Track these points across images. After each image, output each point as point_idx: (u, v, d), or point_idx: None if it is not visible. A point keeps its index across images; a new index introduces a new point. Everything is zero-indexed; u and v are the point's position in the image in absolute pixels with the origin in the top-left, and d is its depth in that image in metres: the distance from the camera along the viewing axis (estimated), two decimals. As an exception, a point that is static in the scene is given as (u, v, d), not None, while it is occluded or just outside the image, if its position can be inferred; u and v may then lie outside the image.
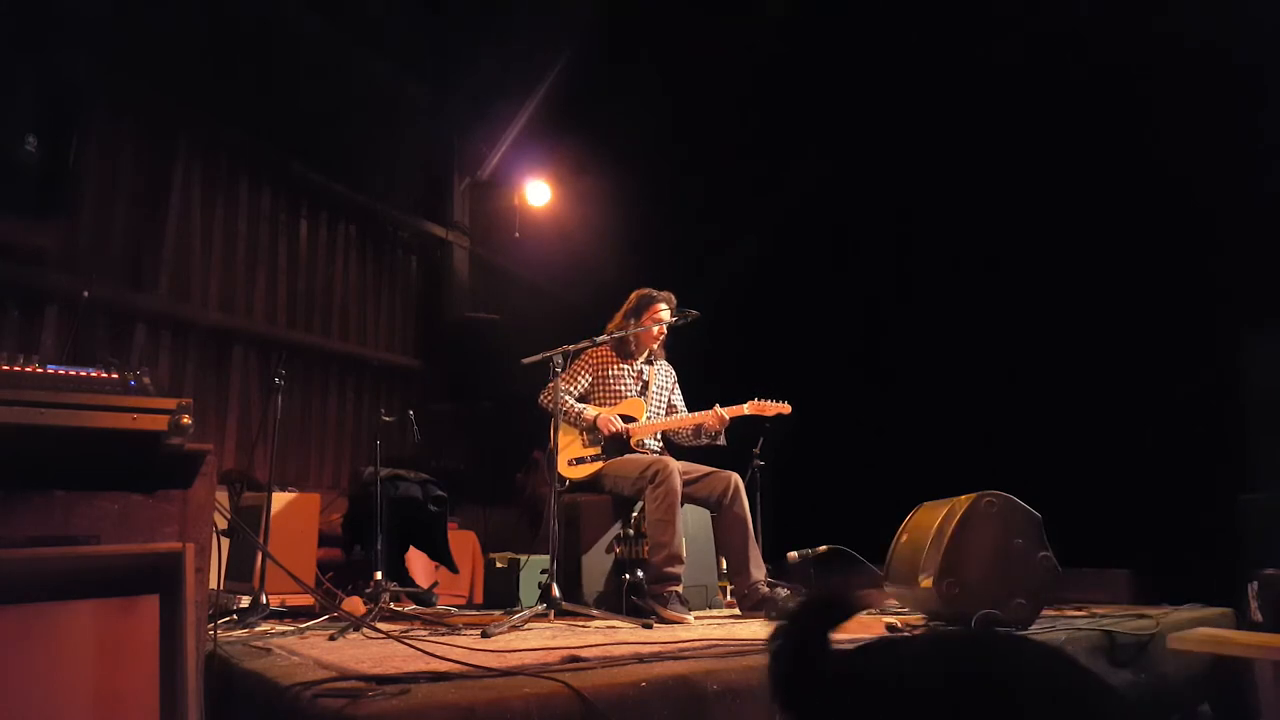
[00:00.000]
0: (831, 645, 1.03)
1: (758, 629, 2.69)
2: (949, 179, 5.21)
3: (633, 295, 3.90)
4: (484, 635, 2.49)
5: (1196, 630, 2.88)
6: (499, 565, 4.12)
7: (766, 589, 3.34)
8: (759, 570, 3.41)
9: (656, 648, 2.09)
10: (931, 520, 2.82)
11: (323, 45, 6.36)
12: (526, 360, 3.46)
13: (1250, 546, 3.08)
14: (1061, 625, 2.78)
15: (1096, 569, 4.09)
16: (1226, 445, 3.83)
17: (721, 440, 3.80)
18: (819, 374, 5.27)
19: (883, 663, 1.03)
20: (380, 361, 6.83)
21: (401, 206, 7.15)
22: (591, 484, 3.66)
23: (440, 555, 4.32)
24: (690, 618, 3.08)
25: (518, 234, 7.48)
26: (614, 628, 2.78)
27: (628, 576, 3.38)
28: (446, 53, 7.17)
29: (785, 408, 3.69)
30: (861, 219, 5.89)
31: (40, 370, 1.58)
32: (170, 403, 1.59)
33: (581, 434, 3.73)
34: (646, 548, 3.38)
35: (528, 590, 3.85)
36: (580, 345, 3.61)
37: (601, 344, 3.79)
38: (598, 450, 3.68)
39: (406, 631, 2.53)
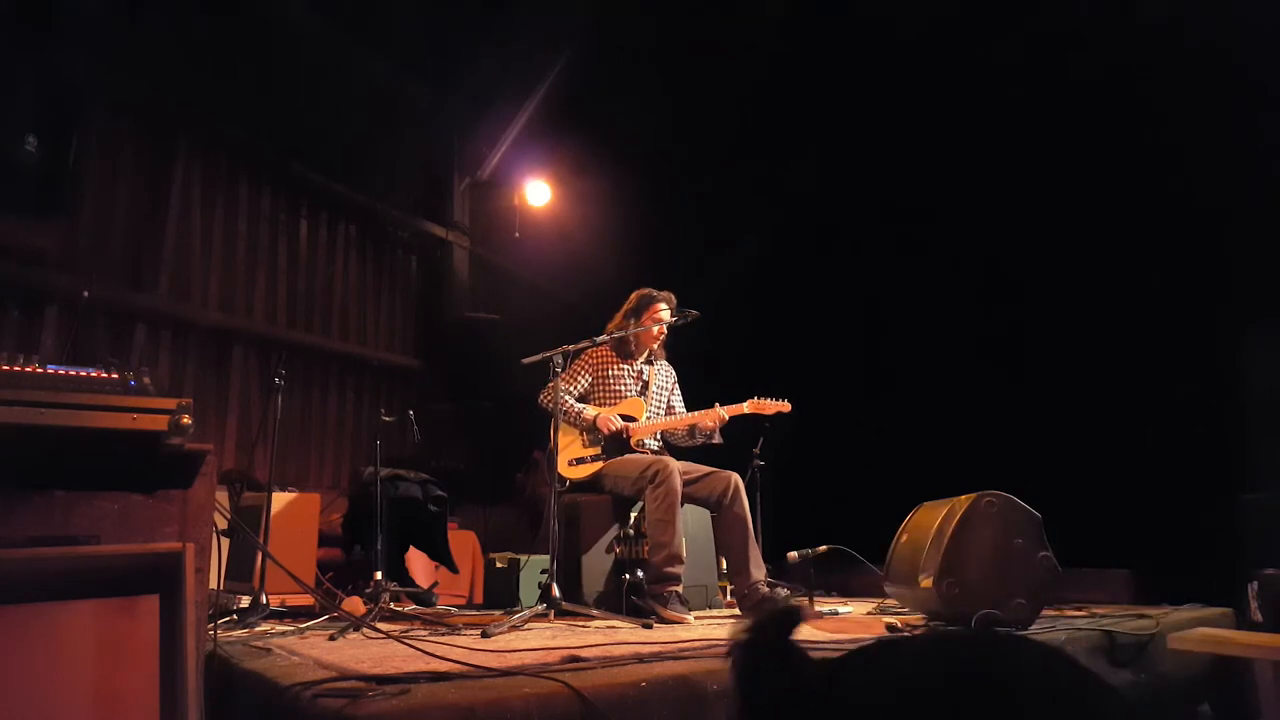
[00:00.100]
0: (797, 656, 1.04)
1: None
2: (949, 179, 5.21)
3: (633, 295, 3.90)
4: (484, 635, 2.49)
5: (1196, 630, 2.88)
6: (499, 565, 4.12)
7: (766, 589, 3.34)
8: (759, 570, 3.41)
9: (656, 648, 2.09)
10: (931, 520, 2.82)
11: (323, 45, 6.36)
12: (526, 360, 3.46)
13: (1250, 546, 3.08)
14: (1061, 625, 2.78)
15: (1096, 569, 4.10)
16: (1226, 445, 3.83)
17: (717, 439, 3.80)
18: (819, 374, 5.27)
19: (848, 680, 1.03)
20: (380, 361, 6.83)
21: (401, 206, 7.15)
22: (591, 484, 3.66)
23: (440, 555, 4.32)
24: (690, 618, 3.08)
25: (518, 234, 7.48)
26: (614, 628, 2.78)
27: (628, 576, 3.38)
28: (446, 53, 7.17)
29: (785, 406, 3.69)
30: (861, 219, 5.89)
31: (40, 370, 1.58)
32: (170, 403, 1.59)
33: (581, 434, 3.73)
34: (646, 548, 3.38)
35: (528, 590, 3.85)
36: (580, 345, 3.61)
37: (601, 344, 3.79)
38: (598, 450, 3.68)
39: (406, 631, 2.53)
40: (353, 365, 6.63)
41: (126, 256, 5.21)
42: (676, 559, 3.27)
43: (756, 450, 4.68)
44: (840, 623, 3.13)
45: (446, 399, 6.64)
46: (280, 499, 3.99)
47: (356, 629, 2.58)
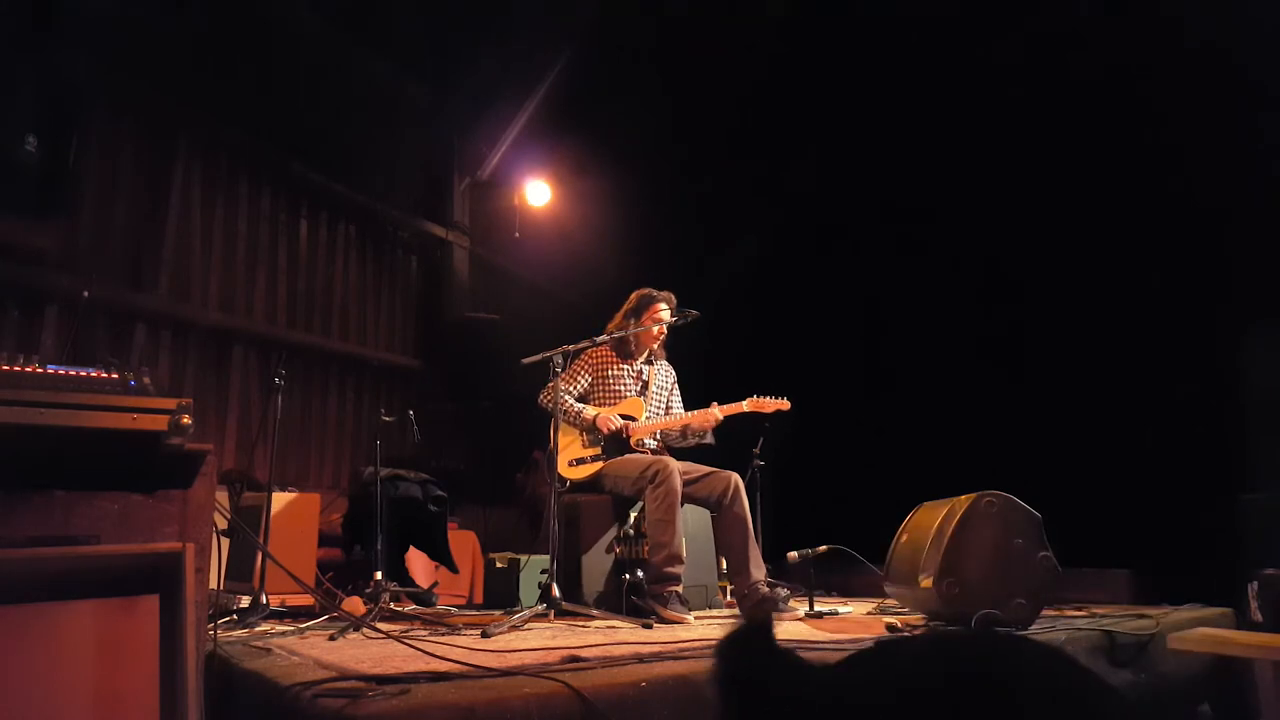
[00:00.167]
0: (787, 659, 1.04)
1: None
2: (949, 179, 5.21)
3: (633, 295, 3.90)
4: (484, 635, 2.49)
5: (1196, 630, 2.88)
6: (499, 565, 4.12)
7: (766, 589, 3.34)
8: (759, 570, 3.41)
9: (656, 648, 2.09)
10: (931, 520, 2.82)
11: (323, 45, 6.35)
12: (526, 360, 3.46)
13: (1250, 546, 3.08)
14: (1061, 625, 2.78)
15: (1096, 569, 4.10)
16: (1226, 445, 3.83)
17: (709, 440, 3.80)
18: (819, 374, 5.27)
19: (848, 680, 1.03)
20: (380, 361, 6.83)
21: (401, 206, 7.15)
22: (591, 484, 3.66)
23: (440, 555, 4.32)
24: (690, 618, 3.08)
25: (518, 234, 7.48)
26: (614, 628, 2.78)
27: (628, 576, 3.38)
28: (446, 53, 7.17)
29: (784, 404, 3.69)
30: (861, 219, 5.89)
31: (40, 370, 1.58)
32: (170, 403, 1.59)
33: (581, 434, 3.74)
34: (646, 548, 3.38)
35: (528, 590, 3.85)
36: (580, 345, 3.61)
37: (601, 344, 3.80)
38: (597, 450, 3.68)
39: (406, 631, 2.53)
40: (353, 365, 6.62)
41: (126, 256, 5.20)
42: (676, 559, 3.27)
43: (756, 450, 4.68)
44: (840, 623, 3.13)
45: (446, 399, 6.64)
46: (280, 499, 3.99)
47: (356, 629, 2.58)
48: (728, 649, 1.05)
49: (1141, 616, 3.06)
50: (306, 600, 3.52)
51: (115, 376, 1.64)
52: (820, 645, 2.26)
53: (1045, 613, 2.87)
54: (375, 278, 6.98)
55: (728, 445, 4.07)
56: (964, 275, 5.21)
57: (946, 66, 5.14)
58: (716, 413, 3.65)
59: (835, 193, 5.93)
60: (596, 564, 3.59)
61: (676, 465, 3.41)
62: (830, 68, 5.71)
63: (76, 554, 1.53)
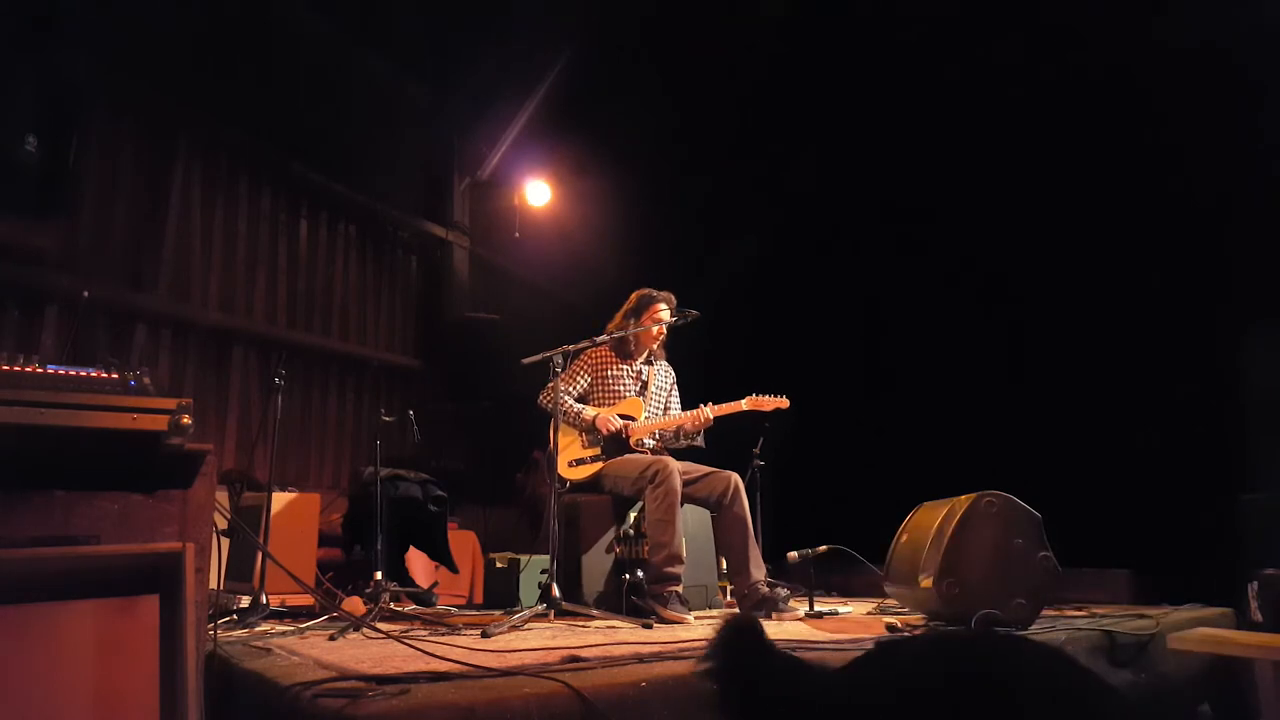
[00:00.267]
0: (785, 661, 1.04)
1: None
2: (949, 179, 5.21)
3: (633, 295, 3.90)
4: (484, 635, 2.49)
5: (1196, 630, 2.88)
6: (499, 565, 4.12)
7: (766, 589, 3.34)
8: (759, 570, 3.41)
9: (656, 648, 2.09)
10: (931, 520, 2.82)
11: (323, 45, 6.35)
12: (526, 360, 3.46)
13: (1250, 546, 3.08)
14: (1061, 625, 2.78)
15: (1096, 569, 4.10)
16: (1226, 445, 3.83)
17: (700, 442, 3.80)
18: (819, 374, 5.27)
19: (848, 680, 1.03)
20: (380, 361, 6.83)
21: (401, 206, 7.15)
22: (591, 484, 3.66)
23: (440, 555, 4.32)
24: (690, 618, 3.08)
25: (518, 234, 7.48)
26: (614, 628, 2.78)
27: (628, 576, 3.38)
28: (446, 53, 7.17)
29: (783, 402, 3.69)
30: (861, 219, 5.89)
31: (40, 370, 1.58)
32: (170, 403, 1.59)
33: (581, 435, 3.74)
34: (646, 548, 3.38)
35: (528, 590, 3.85)
36: (580, 345, 3.61)
37: (601, 344, 3.80)
38: (597, 451, 3.68)
39: (406, 631, 2.53)
40: (353, 365, 6.62)
41: (126, 256, 5.20)
42: (676, 559, 3.28)
43: (756, 450, 4.68)
44: (840, 623, 3.13)
45: (446, 399, 6.64)
46: (280, 499, 3.99)
47: (356, 629, 2.58)
48: (718, 649, 1.05)
49: (1141, 616, 3.06)
50: (306, 600, 3.52)
51: (115, 376, 1.64)
52: (820, 645, 2.26)
53: (1045, 613, 2.87)
54: (375, 278, 6.98)
55: (728, 445, 4.07)
56: (964, 275, 5.21)
57: (946, 66, 5.14)
58: (708, 413, 3.65)
59: (835, 193, 5.93)
60: (596, 564, 3.59)
61: (676, 465, 3.41)
62: (830, 68, 5.71)
63: (76, 554, 1.53)
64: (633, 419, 3.74)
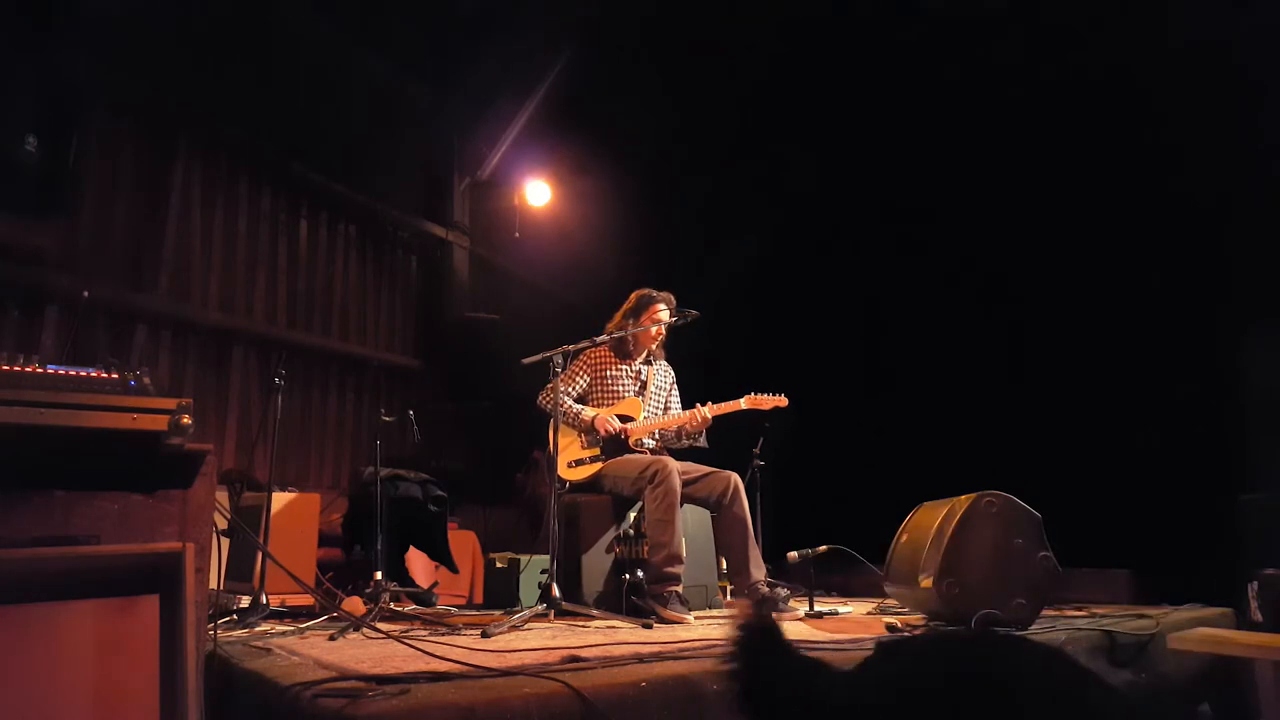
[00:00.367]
0: (798, 659, 1.05)
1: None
2: (949, 179, 5.21)
3: (632, 295, 3.90)
4: (484, 635, 2.49)
5: (1196, 630, 2.88)
6: (499, 565, 4.12)
7: (766, 589, 3.34)
8: (759, 570, 3.41)
9: (656, 648, 2.09)
10: (931, 520, 2.82)
11: (323, 45, 6.35)
12: (526, 360, 3.46)
13: (1250, 546, 3.08)
14: (1061, 625, 2.78)
15: (1096, 569, 4.10)
16: (1226, 445, 3.83)
17: (702, 442, 3.80)
18: (819, 374, 5.27)
19: (848, 680, 1.03)
20: (380, 361, 6.83)
21: (401, 206, 7.15)
22: (591, 484, 3.67)
23: (440, 555, 4.32)
24: (690, 618, 3.08)
25: (518, 234, 7.47)
26: (614, 628, 2.78)
27: (628, 576, 3.38)
28: (446, 53, 7.17)
29: (782, 400, 3.69)
30: (861, 219, 5.89)
31: (40, 370, 1.58)
32: (170, 403, 1.59)
33: (580, 435, 3.74)
34: (646, 548, 3.38)
35: (528, 590, 3.85)
36: (580, 345, 3.61)
37: (601, 344, 3.80)
38: (596, 451, 3.69)
39: (406, 631, 2.53)
40: (353, 365, 6.62)
41: (126, 256, 5.20)
42: (676, 559, 3.28)
43: (756, 450, 4.68)
44: (840, 623, 3.13)
45: (446, 399, 6.64)
46: (280, 499, 3.99)
47: (356, 629, 2.58)
48: (739, 649, 1.05)
49: (1141, 616, 3.06)
50: (306, 600, 3.52)
51: (115, 376, 1.64)
52: (820, 645, 2.26)
53: (1045, 613, 2.87)
54: (375, 278, 6.98)
55: (728, 445, 4.06)
56: (964, 275, 5.21)
57: (946, 66, 5.14)
58: (706, 412, 3.65)
59: (835, 193, 5.93)
60: (596, 564, 3.59)
61: (675, 465, 3.41)
62: (830, 67, 5.71)
63: (76, 554, 1.53)
64: (631, 419, 3.74)
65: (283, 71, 5.94)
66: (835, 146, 5.82)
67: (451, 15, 6.99)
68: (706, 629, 2.78)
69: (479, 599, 4.62)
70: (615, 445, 3.68)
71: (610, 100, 6.61)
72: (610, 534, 3.67)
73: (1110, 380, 4.40)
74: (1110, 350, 4.44)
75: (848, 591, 4.72)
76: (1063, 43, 4.65)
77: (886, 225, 5.72)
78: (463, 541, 4.94)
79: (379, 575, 3.33)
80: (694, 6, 6.09)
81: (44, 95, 4.00)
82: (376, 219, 6.97)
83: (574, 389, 3.83)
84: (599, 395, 3.85)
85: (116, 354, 4.69)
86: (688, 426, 3.71)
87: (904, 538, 3.05)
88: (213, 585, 1.88)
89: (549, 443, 3.41)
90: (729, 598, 3.96)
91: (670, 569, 3.24)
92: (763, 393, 3.68)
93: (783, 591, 3.40)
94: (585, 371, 3.87)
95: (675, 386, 4.04)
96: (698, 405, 3.67)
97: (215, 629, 2.10)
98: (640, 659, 1.88)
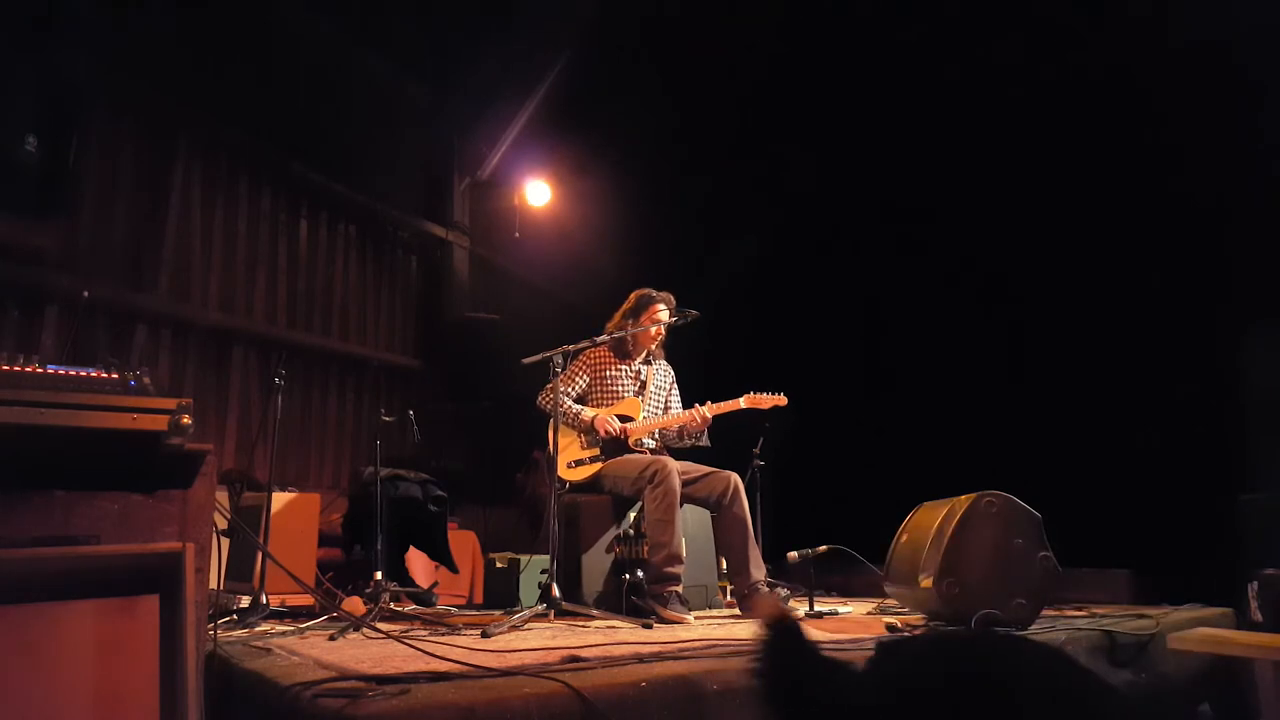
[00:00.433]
0: (823, 663, 1.05)
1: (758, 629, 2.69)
2: (949, 179, 5.21)
3: (632, 295, 3.90)
4: (484, 635, 2.49)
5: (1196, 630, 2.88)
6: (499, 565, 4.12)
7: (766, 589, 3.34)
8: (759, 570, 3.41)
9: (656, 648, 2.09)
10: (931, 520, 2.82)
11: (323, 45, 6.35)
12: (526, 360, 3.46)
13: (1250, 546, 3.08)
14: (1061, 625, 2.78)
15: (1096, 569, 4.09)
16: (1226, 445, 3.83)
17: (705, 441, 3.80)
18: (819, 374, 5.27)
19: (848, 680, 1.04)
20: (380, 361, 6.83)
21: (401, 206, 7.15)
22: (591, 484, 3.67)
23: (440, 555, 4.32)
24: (690, 618, 3.08)
25: (518, 234, 7.48)
26: (614, 628, 2.78)
27: (628, 576, 3.38)
28: (446, 53, 7.17)
29: (781, 400, 3.69)
30: (861, 219, 5.89)
31: (40, 370, 1.58)
32: (170, 403, 1.59)
33: (580, 436, 3.74)
34: (646, 548, 3.38)
35: (528, 590, 3.85)
36: (580, 345, 3.62)
37: (600, 344, 3.80)
38: (596, 451, 3.69)
39: (406, 631, 2.53)
40: (353, 365, 6.63)
41: (126, 256, 5.20)
42: (676, 559, 3.28)
43: (756, 450, 4.68)
44: (840, 623, 3.13)
45: (446, 399, 6.64)
46: (280, 499, 3.99)
47: (356, 629, 2.58)
48: (765, 649, 1.05)
49: (1141, 616, 3.06)
50: (306, 600, 3.52)
51: (115, 376, 1.64)
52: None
53: (1045, 613, 2.87)
54: (375, 278, 6.98)
55: (727, 445, 4.06)
56: (964, 275, 5.21)
57: (946, 66, 5.14)
58: (705, 412, 3.65)
59: (835, 193, 5.93)
60: (596, 564, 3.59)
61: (675, 465, 3.41)
62: (830, 67, 5.71)
63: (76, 554, 1.53)
64: (631, 419, 3.74)
65: (282, 71, 5.94)
66: (835, 146, 5.82)
67: (451, 15, 6.99)
68: (706, 629, 2.78)
69: (479, 599, 4.62)
70: (615, 445, 3.68)
71: (610, 100, 6.61)
72: (610, 534, 3.67)
73: (1110, 380, 4.40)
74: (1110, 350, 4.44)
75: (848, 591, 4.72)
76: (1063, 43, 4.65)
77: (886, 225, 5.72)
78: (463, 541, 4.94)
79: (379, 575, 3.33)
80: (694, 6, 6.09)
81: (44, 95, 4.00)
82: (376, 219, 6.97)
83: (574, 389, 3.83)
84: (599, 395, 3.85)
85: (116, 354, 4.68)
86: (688, 426, 3.71)
87: (904, 538, 3.05)
88: (213, 585, 1.88)
89: (549, 443, 3.41)
90: (729, 598, 3.96)
91: (670, 569, 3.24)
92: (761, 391, 3.68)
93: (783, 591, 3.40)
94: (585, 371, 3.87)
95: (675, 386, 4.04)
96: (697, 405, 3.67)
97: (215, 629, 2.10)
98: (640, 659, 1.87)
